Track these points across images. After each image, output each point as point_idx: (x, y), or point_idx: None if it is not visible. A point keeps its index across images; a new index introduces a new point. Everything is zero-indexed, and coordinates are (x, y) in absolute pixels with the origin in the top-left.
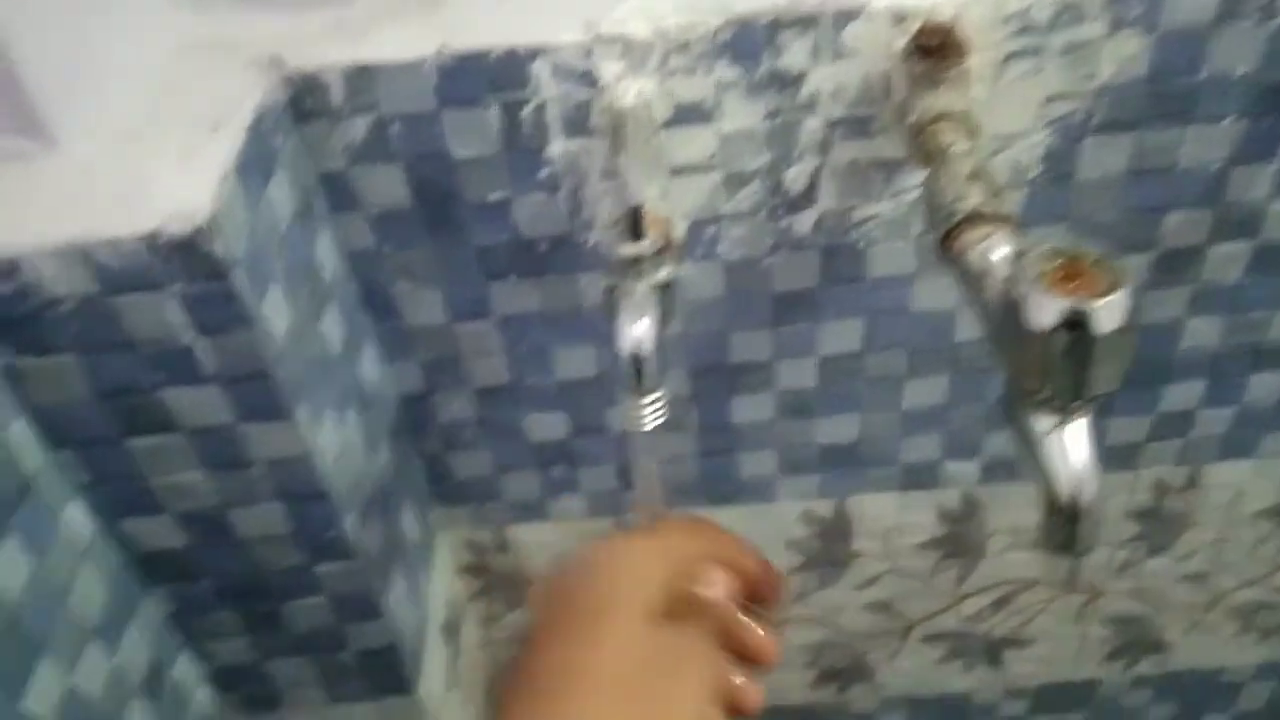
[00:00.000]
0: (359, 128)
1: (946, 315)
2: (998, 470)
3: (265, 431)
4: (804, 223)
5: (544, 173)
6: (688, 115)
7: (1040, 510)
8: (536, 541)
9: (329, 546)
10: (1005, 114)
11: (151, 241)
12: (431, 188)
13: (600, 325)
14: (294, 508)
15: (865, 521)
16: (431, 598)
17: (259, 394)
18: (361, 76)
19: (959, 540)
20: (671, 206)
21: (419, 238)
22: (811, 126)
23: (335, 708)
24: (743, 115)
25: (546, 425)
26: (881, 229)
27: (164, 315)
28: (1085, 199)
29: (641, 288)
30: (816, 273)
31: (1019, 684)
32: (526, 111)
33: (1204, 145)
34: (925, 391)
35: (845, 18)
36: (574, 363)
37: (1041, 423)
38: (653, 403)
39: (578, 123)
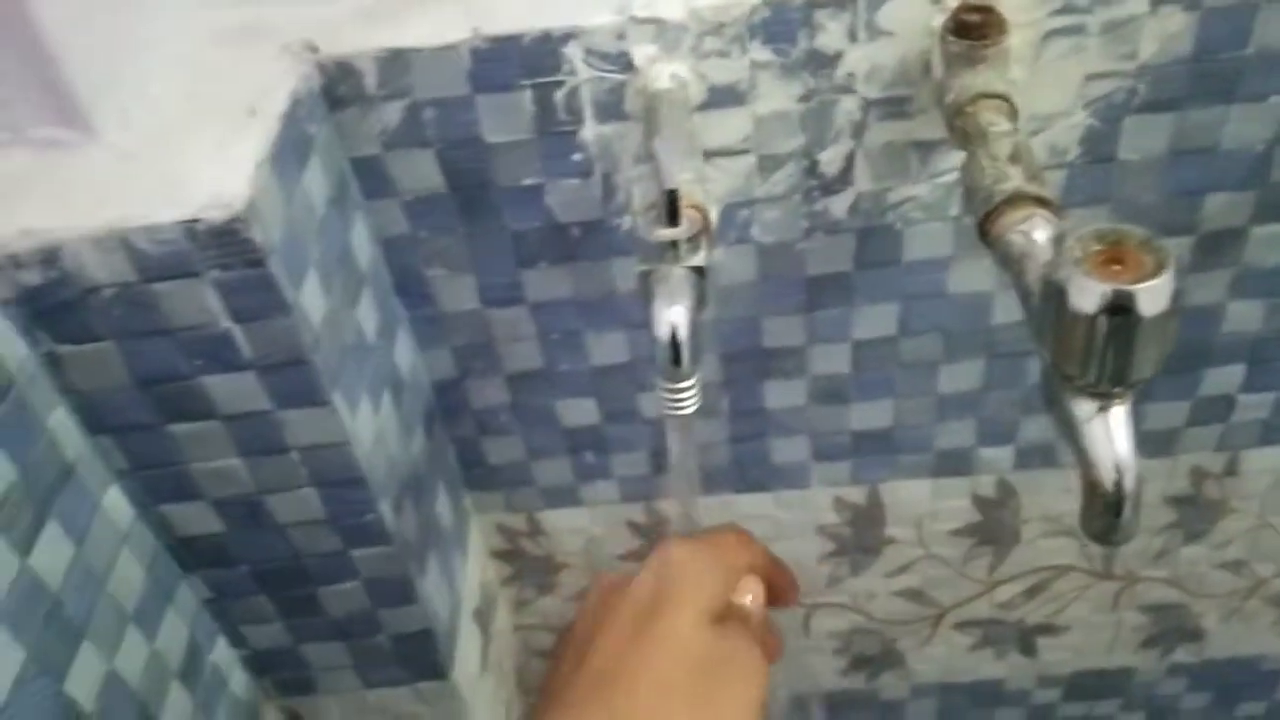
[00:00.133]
0: (393, 113)
1: (983, 298)
2: (1033, 456)
3: (302, 418)
4: (839, 206)
5: (577, 157)
6: (722, 98)
7: (1081, 497)
8: (569, 527)
9: (365, 531)
10: (1044, 94)
11: (190, 228)
12: (465, 173)
13: (633, 311)
14: (330, 493)
15: (898, 508)
16: (465, 583)
17: (296, 380)
18: (395, 62)
19: (992, 527)
20: (706, 190)
21: (452, 223)
22: (847, 108)
23: (370, 692)
24: (777, 97)
25: (579, 411)
26: (918, 211)
27: (202, 302)
28: (1125, 180)
29: (677, 272)
30: (851, 256)
31: (1052, 671)
32: (559, 95)
33: (1248, 125)
34: (961, 376)
35: None
36: (606, 348)
37: (1082, 408)
38: (688, 388)
39: (611, 107)
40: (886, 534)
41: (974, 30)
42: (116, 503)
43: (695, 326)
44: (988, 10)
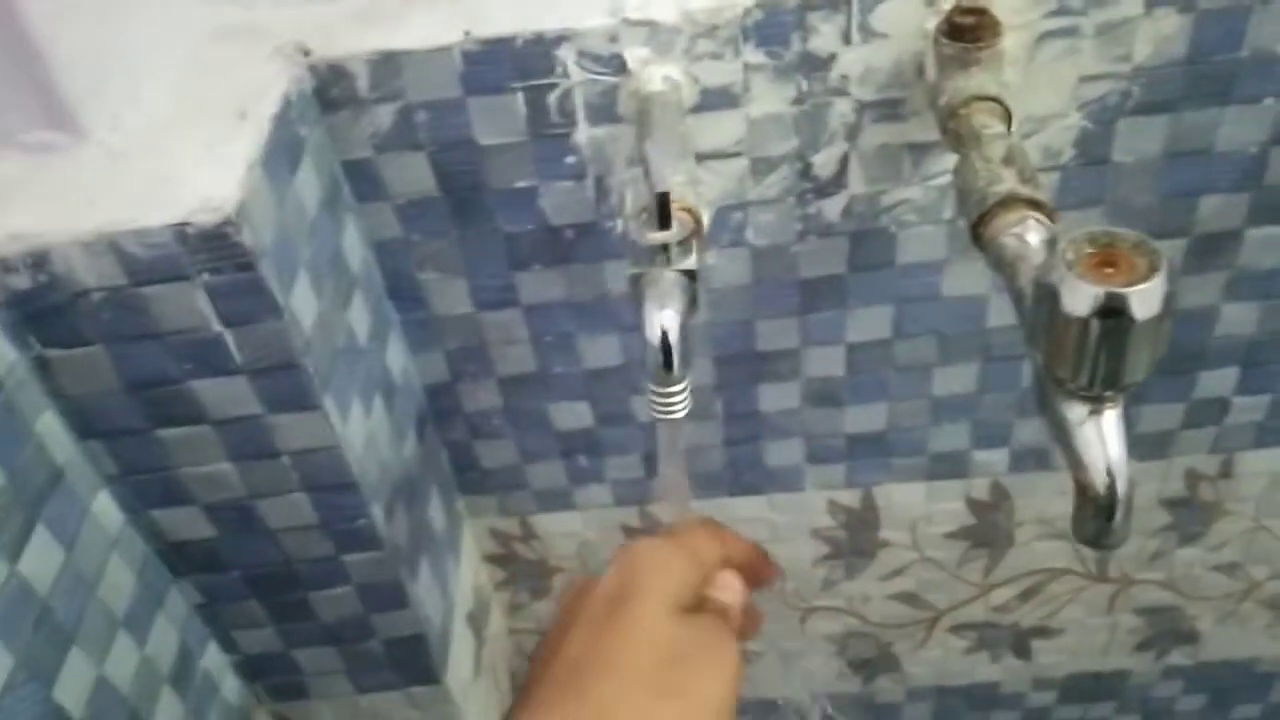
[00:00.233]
0: (385, 116)
1: (977, 301)
2: (1027, 459)
3: (293, 422)
4: (833, 208)
5: (570, 160)
6: (715, 100)
7: (1073, 501)
8: (562, 531)
9: (356, 536)
10: (1039, 96)
11: (180, 232)
12: (457, 176)
13: (626, 314)
14: (321, 498)
15: (892, 511)
16: (458, 587)
17: (287, 384)
18: (387, 64)
19: (987, 530)
20: (698, 193)
21: (445, 226)
22: (841, 110)
23: (362, 697)
24: (771, 100)
25: (572, 414)
26: (912, 214)
27: (192, 306)
28: (1120, 182)
29: (668, 276)
30: (845, 259)
31: (1047, 674)
32: (552, 98)
33: (1242, 127)
34: (955, 379)
35: None
36: (600, 351)
37: (1075, 412)
38: (679, 392)
39: (604, 109)
40: (881, 537)
41: (968, 32)
42: (106, 508)
43: (686, 330)
44: (982, 12)
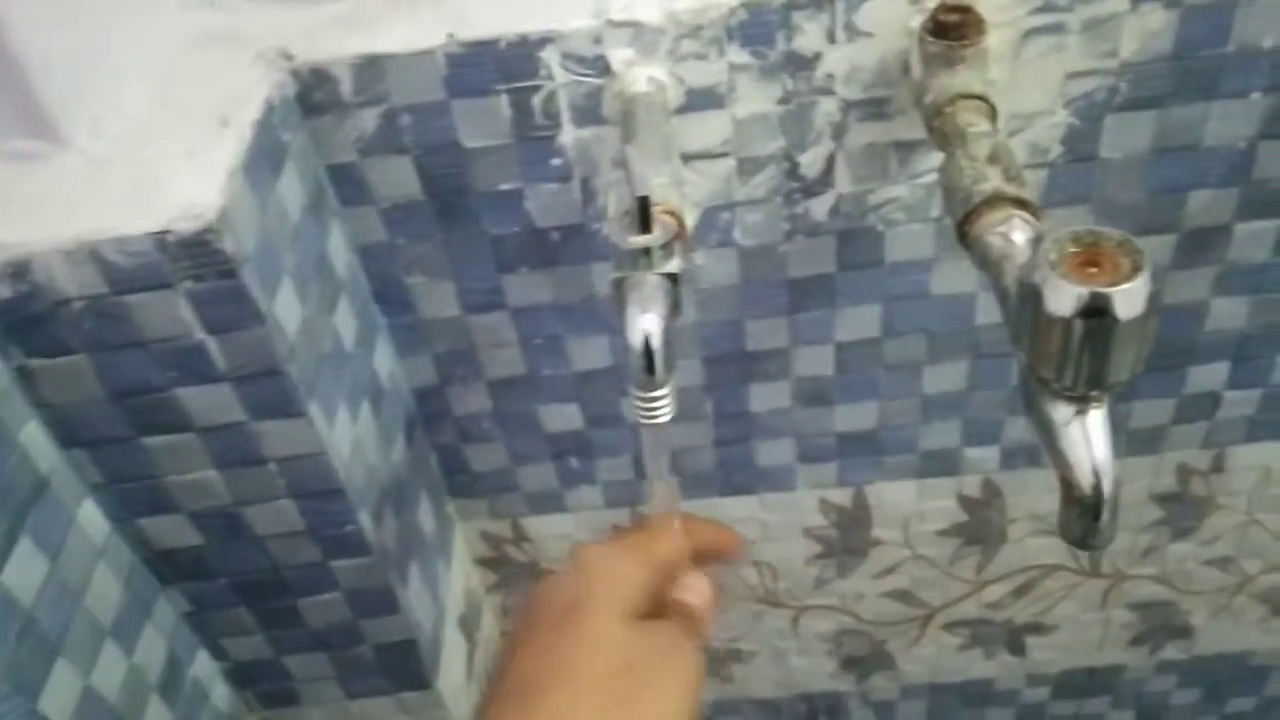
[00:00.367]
0: (369, 120)
1: (966, 299)
2: (1018, 456)
3: (279, 429)
4: (820, 208)
5: (556, 162)
6: (700, 101)
7: (1060, 501)
8: (554, 533)
9: (345, 542)
10: (1025, 93)
11: (161, 240)
12: (442, 179)
13: (614, 316)
14: (309, 504)
15: (884, 509)
16: (449, 591)
17: (272, 391)
18: (370, 68)
19: (979, 527)
20: (685, 194)
21: (431, 230)
22: (827, 109)
23: (353, 702)
24: (756, 100)
25: (562, 416)
26: (900, 212)
27: (175, 314)
28: (1107, 179)
29: (650, 280)
30: (833, 258)
31: (1041, 670)
32: (537, 100)
33: (1230, 122)
34: (945, 377)
35: None
36: (588, 353)
37: (1060, 412)
38: (662, 396)
39: (589, 111)
40: (873, 535)
41: (952, 30)
42: (91, 517)
43: (669, 334)
44: (966, 10)
